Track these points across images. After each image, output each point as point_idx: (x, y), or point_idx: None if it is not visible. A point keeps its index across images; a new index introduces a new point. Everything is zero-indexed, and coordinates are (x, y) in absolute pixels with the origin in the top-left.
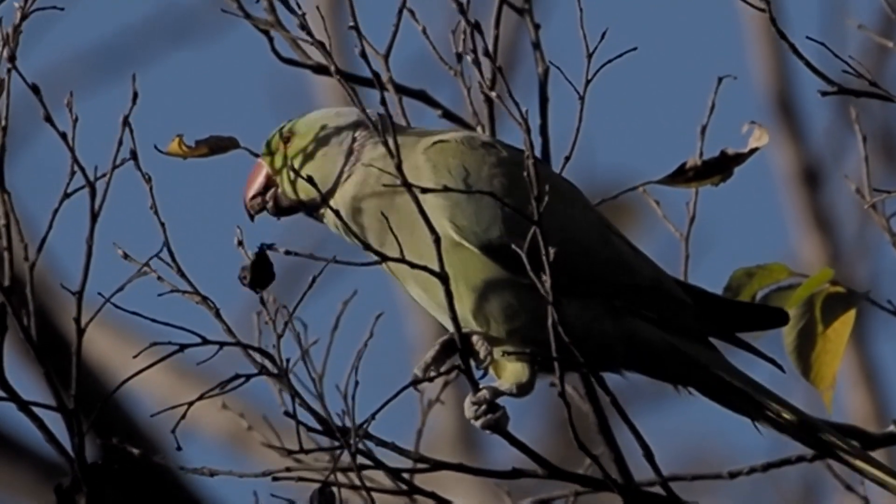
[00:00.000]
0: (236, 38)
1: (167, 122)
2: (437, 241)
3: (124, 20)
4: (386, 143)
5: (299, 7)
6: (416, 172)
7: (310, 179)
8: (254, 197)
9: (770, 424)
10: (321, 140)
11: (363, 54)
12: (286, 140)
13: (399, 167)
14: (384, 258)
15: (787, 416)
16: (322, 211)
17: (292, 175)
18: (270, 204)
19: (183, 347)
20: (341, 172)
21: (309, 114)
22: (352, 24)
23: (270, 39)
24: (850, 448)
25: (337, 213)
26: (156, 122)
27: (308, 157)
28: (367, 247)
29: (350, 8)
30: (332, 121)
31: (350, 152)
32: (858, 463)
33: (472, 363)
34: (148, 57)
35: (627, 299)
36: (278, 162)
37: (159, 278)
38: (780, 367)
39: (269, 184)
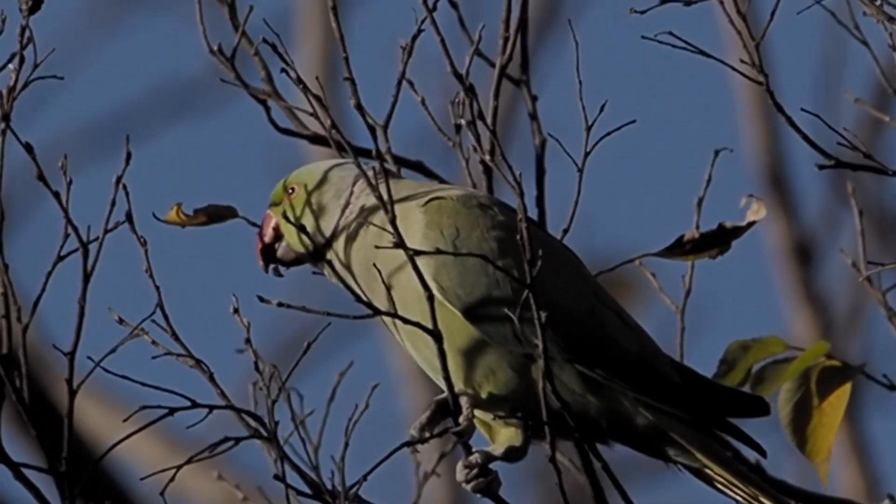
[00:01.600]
0: (235, 109)
1: (165, 193)
2: (431, 297)
3: (123, 94)
4: (380, 198)
5: (299, 79)
6: (409, 227)
7: (303, 230)
8: (265, 248)
9: None
10: (321, 191)
11: (358, 106)
12: (290, 192)
13: (393, 222)
14: (377, 312)
15: (766, 500)
16: (322, 263)
17: (293, 227)
18: (279, 254)
19: (173, 411)
20: (338, 224)
21: (312, 165)
22: (352, 99)
23: (268, 109)
24: None
25: (330, 264)
26: (154, 192)
27: (308, 208)
28: (360, 299)
29: (350, 81)
30: (333, 172)
31: (346, 204)
32: None
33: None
34: (148, 130)
35: (609, 372)
36: (281, 213)
37: (153, 342)
38: (763, 452)
39: (278, 234)
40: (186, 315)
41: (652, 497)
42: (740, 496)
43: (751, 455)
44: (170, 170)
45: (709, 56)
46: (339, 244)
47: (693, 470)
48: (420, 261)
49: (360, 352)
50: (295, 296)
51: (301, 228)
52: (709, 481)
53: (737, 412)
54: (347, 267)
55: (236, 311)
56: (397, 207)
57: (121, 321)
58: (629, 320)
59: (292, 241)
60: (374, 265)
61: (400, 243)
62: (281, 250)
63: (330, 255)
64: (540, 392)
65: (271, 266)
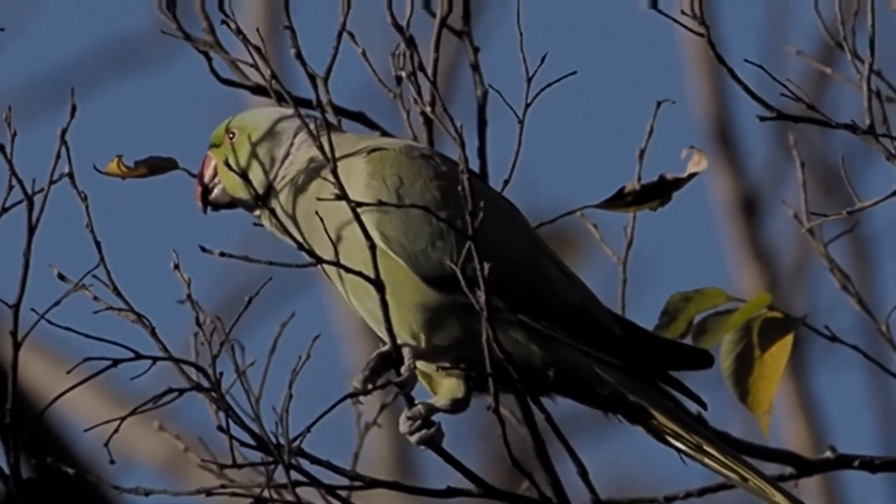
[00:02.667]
0: (180, 63)
1: (110, 147)
2: (373, 247)
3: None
4: (321, 148)
5: (239, 30)
6: (351, 177)
7: (241, 177)
8: (204, 188)
9: (696, 457)
10: (262, 139)
11: (298, 54)
12: (230, 136)
13: (335, 172)
14: (320, 261)
15: (710, 449)
16: (258, 212)
17: (234, 174)
18: (213, 195)
19: (116, 362)
20: (278, 173)
21: (255, 111)
22: (292, 48)
23: (209, 60)
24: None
25: (272, 212)
26: (99, 146)
27: (248, 154)
28: (302, 247)
29: (290, 30)
30: (275, 120)
31: (287, 154)
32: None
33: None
34: (93, 84)
35: (552, 323)
36: (221, 156)
37: (95, 297)
38: (703, 404)
39: (217, 176)
40: (132, 269)
41: (593, 451)
42: (684, 446)
43: (693, 409)
44: (114, 124)
45: (651, 7)
46: (280, 194)
47: (635, 420)
48: (363, 211)
49: (304, 305)
50: (240, 248)
51: (240, 175)
52: (652, 431)
53: (680, 365)
54: (288, 217)
55: (177, 267)
56: (339, 158)
57: (62, 277)
58: (569, 272)
59: (229, 185)
60: (317, 215)
61: (342, 194)
62: (216, 192)
63: (270, 204)
64: (483, 343)
65: (209, 208)
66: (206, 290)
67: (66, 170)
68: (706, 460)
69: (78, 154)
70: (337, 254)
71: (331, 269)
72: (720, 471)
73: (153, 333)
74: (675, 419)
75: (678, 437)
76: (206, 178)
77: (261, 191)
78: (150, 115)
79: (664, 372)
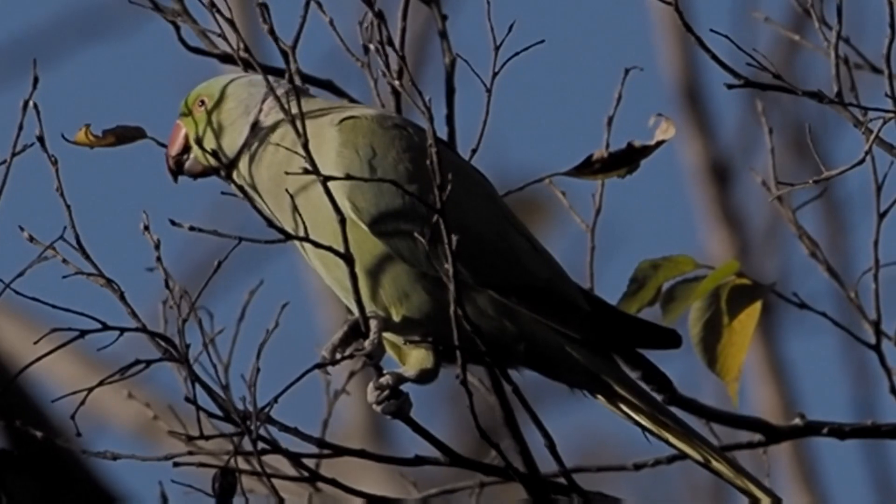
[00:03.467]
0: (147, 32)
1: (76, 115)
2: (343, 221)
3: (36, 16)
4: (293, 122)
5: None
6: (323, 145)
7: (211, 146)
8: (175, 158)
9: (659, 435)
10: (232, 107)
11: (270, 30)
12: (200, 103)
13: (306, 146)
14: (289, 237)
15: (677, 429)
16: (231, 180)
17: (204, 142)
18: (186, 166)
19: (83, 333)
20: (247, 141)
21: (223, 77)
22: (263, 23)
23: (177, 29)
24: (738, 472)
25: (243, 181)
26: (65, 115)
27: (218, 122)
28: (271, 223)
29: (261, 7)
30: (244, 88)
31: (256, 121)
32: (740, 482)
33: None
34: (60, 53)
35: (520, 297)
36: (191, 125)
37: (64, 261)
38: (668, 382)
39: (187, 145)
40: (101, 238)
41: (564, 418)
42: (648, 423)
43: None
44: (82, 92)
45: None
46: (249, 162)
47: (600, 395)
48: (335, 180)
49: (276, 272)
50: (211, 215)
51: (209, 144)
52: (616, 408)
53: (648, 343)
54: (258, 185)
55: (146, 228)
56: (310, 125)
57: (32, 239)
58: (539, 246)
59: (199, 154)
60: (285, 186)
61: (311, 168)
62: (189, 163)
63: (240, 173)
64: (451, 315)
65: (180, 177)
66: (176, 258)
67: (33, 140)
68: (670, 439)
69: (46, 122)
70: (306, 224)
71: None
72: (684, 450)
73: (122, 298)
74: (638, 396)
75: (642, 413)
76: (178, 148)
77: (231, 159)
78: (118, 83)
79: (632, 349)
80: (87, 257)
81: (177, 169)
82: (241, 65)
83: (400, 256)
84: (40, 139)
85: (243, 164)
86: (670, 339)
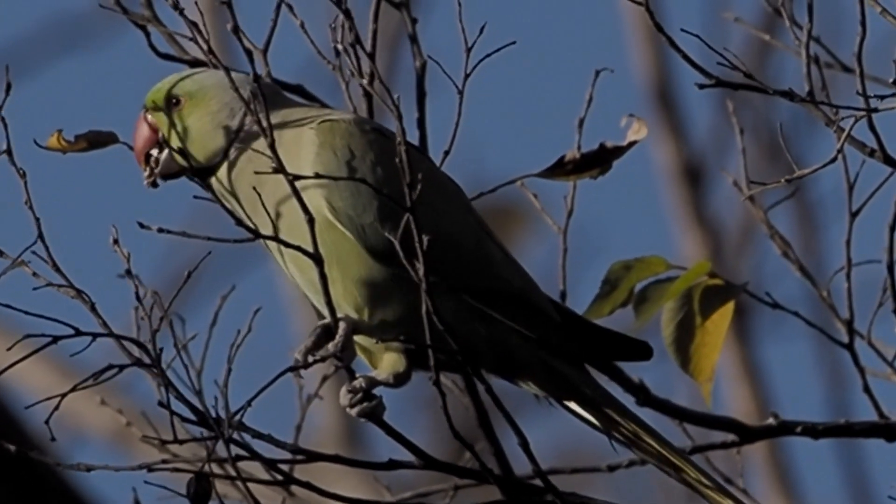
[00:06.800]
0: (119, 39)
1: (49, 124)
2: (311, 221)
3: (6, 25)
4: (260, 124)
5: (176, 3)
6: (300, 148)
7: (191, 148)
8: (144, 153)
9: (627, 445)
10: (213, 109)
11: (234, 28)
12: (176, 102)
13: (272, 146)
14: (258, 236)
15: (647, 439)
16: (209, 182)
17: (180, 142)
18: (161, 168)
19: (56, 339)
20: (229, 145)
21: (199, 76)
22: (229, 23)
23: (147, 35)
24: (709, 483)
25: (219, 183)
26: (38, 124)
27: (198, 124)
28: (240, 223)
29: (228, 6)
30: (225, 90)
31: (241, 126)
32: (711, 494)
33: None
34: (31, 62)
35: (492, 303)
36: (166, 124)
37: (34, 274)
38: (640, 392)
39: (157, 141)
40: (73, 245)
41: (538, 420)
42: (616, 433)
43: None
44: (55, 101)
45: None
46: (230, 167)
47: (567, 405)
48: (313, 182)
49: (252, 279)
50: (188, 219)
51: (190, 145)
52: (583, 419)
53: (618, 355)
54: (237, 189)
55: (116, 242)
56: (290, 128)
57: (0, 253)
58: (511, 256)
59: (177, 155)
60: (255, 189)
61: (280, 167)
62: (163, 164)
63: (219, 175)
64: (423, 316)
65: (157, 180)
66: (152, 266)
67: (2, 149)
68: (640, 447)
69: (18, 131)
70: (284, 226)
71: (273, 245)
72: (651, 461)
73: (93, 309)
74: (609, 406)
75: (611, 423)
76: (147, 144)
77: (209, 162)
78: (91, 91)
79: (602, 360)
80: (57, 268)
81: (152, 171)
82: (210, 66)
83: (375, 257)
84: (8, 150)
85: (224, 167)
86: (641, 351)
